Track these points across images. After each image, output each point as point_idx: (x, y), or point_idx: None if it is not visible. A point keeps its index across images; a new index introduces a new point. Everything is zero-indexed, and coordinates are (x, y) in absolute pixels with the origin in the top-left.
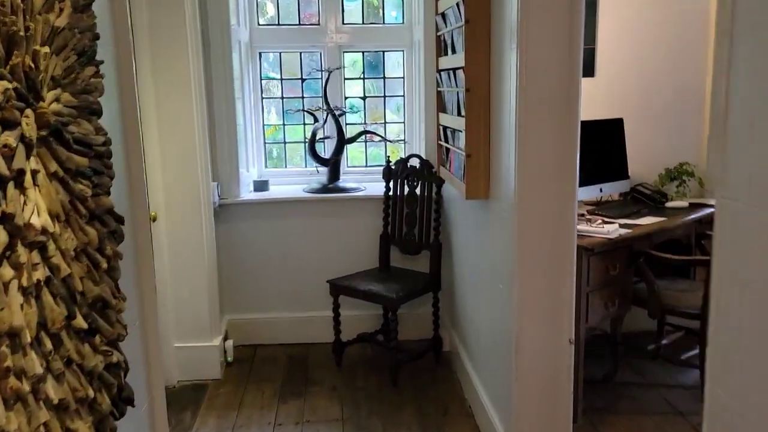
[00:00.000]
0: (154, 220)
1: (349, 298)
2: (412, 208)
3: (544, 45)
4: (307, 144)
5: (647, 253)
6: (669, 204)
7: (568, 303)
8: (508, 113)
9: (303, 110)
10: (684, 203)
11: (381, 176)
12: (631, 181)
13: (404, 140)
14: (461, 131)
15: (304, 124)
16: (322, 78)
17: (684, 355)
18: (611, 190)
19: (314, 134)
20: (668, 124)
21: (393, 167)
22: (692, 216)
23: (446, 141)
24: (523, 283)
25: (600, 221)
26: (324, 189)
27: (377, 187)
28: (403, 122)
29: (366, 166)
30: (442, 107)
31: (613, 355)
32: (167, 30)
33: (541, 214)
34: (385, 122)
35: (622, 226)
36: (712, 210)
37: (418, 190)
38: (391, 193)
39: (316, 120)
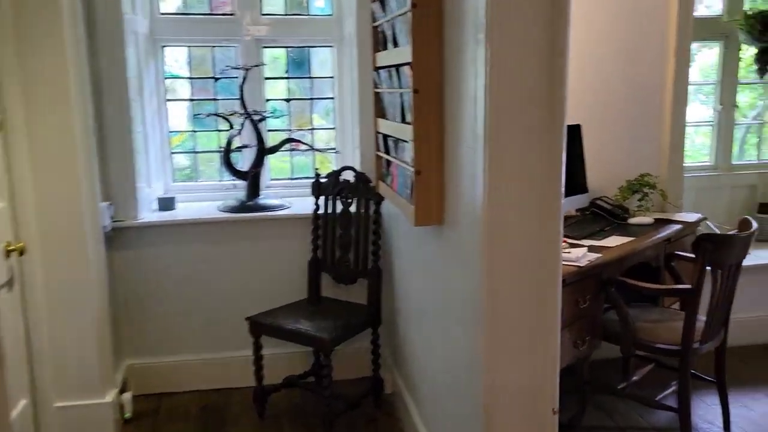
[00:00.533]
0: (22, 253)
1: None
2: (347, 229)
3: (521, 34)
4: (221, 154)
5: (620, 281)
6: (632, 220)
7: (551, 363)
8: (472, 120)
9: (216, 115)
10: (648, 219)
11: (310, 191)
12: (589, 195)
13: (335, 149)
14: (407, 141)
15: (218, 130)
16: (238, 77)
17: (659, 395)
18: (569, 205)
19: (229, 143)
20: (627, 131)
21: (323, 181)
22: (660, 234)
23: (387, 152)
24: (493, 334)
25: (565, 244)
26: (242, 207)
27: (305, 204)
28: (334, 128)
29: (292, 178)
30: (380, 112)
31: (581, 397)
32: (38, 16)
33: (516, 249)
34: (313, 128)
35: (590, 249)
36: (678, 227)
37: (353, 208)
38: (321, 211)
39: (231, 126)
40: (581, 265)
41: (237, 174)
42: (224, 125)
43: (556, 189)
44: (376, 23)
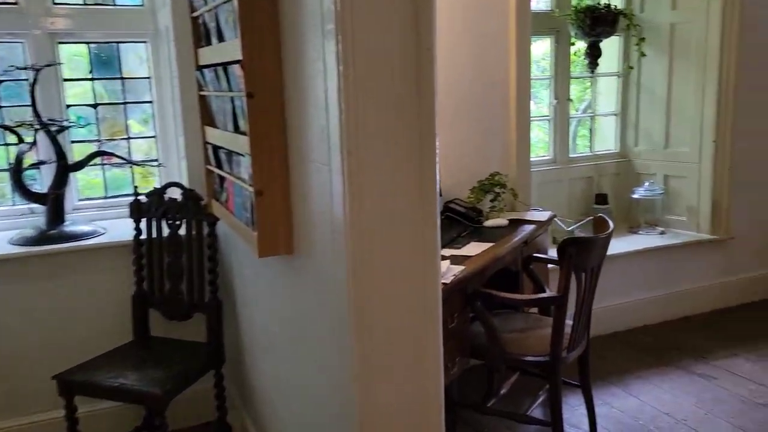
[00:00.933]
0: None
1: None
2: (176, 255)
3: (380, 23)
4: (10, 174)
5: (485, 293)
6: (487, 223)
7: (435, 408)
8: (323, 129)
9: (1, 126)
10: (503, 221)
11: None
12: (442, 198)
13: (158, 162)
14: (243, 155)
15: (6, 144)
16: (27, 79)
17: (527, 405)
18: None
19: (20, 160)
20: (474, 129)
21: (144, 201)
22: (517, 237)
23: (219, 165)
24: (366, 371)
25: None
26: (42, 237)
27: (124, 228)
28: (155, 137)
29: (106, 197)
30: (208, 118)
31: (451, 418)
32: None
33: (388, 274)
34: (129, 137)
35: (452, 261)
36: (532, 227)
37: (182, 231)
38: (144, 236)
39: (20, 139)
40: (447, 281)
41: (33, 197)
42: (12, 138)
43: (431, 200)
44: (196, 13)
